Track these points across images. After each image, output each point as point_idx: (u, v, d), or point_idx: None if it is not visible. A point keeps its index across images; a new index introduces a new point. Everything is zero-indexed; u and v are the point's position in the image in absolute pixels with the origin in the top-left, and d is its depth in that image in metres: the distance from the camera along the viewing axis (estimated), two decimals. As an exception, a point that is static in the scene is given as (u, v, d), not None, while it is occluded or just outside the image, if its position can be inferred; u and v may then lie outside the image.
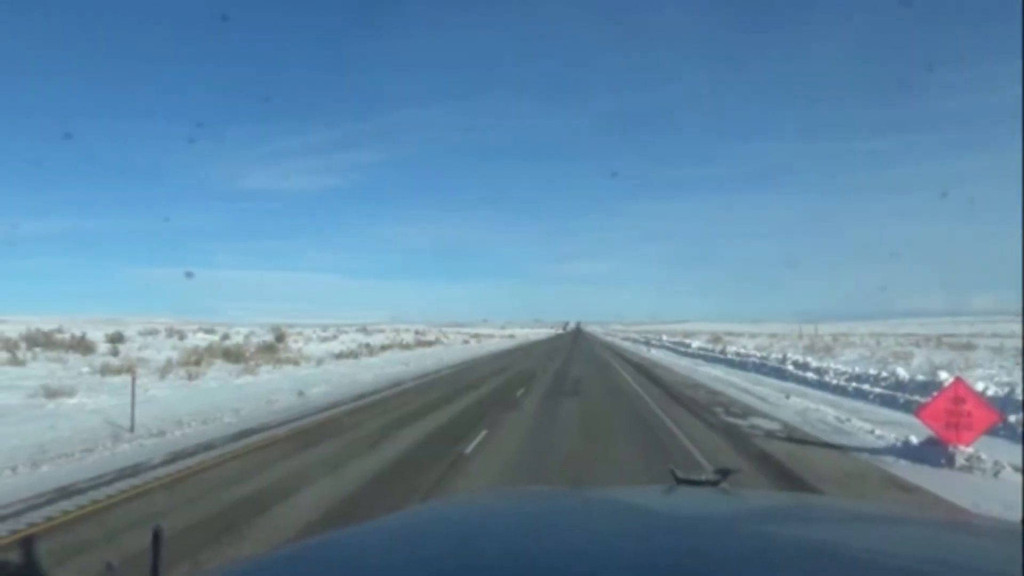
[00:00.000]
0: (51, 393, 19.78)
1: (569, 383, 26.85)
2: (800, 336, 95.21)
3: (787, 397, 22.56)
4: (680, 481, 2.43)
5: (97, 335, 45.99)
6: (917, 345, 59.27)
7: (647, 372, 35.46)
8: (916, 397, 19.63)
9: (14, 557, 6.74)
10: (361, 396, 21.42)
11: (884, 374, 25.71)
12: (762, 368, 35.96)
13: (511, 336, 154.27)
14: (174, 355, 35.98)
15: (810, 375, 29.73)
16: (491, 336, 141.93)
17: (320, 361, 40.61)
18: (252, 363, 36.91)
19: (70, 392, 20.24)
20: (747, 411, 18.90)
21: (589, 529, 1.88)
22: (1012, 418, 14.84)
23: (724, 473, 2.49)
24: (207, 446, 12.81)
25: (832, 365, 31.29)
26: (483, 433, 14.16)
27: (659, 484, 2.50)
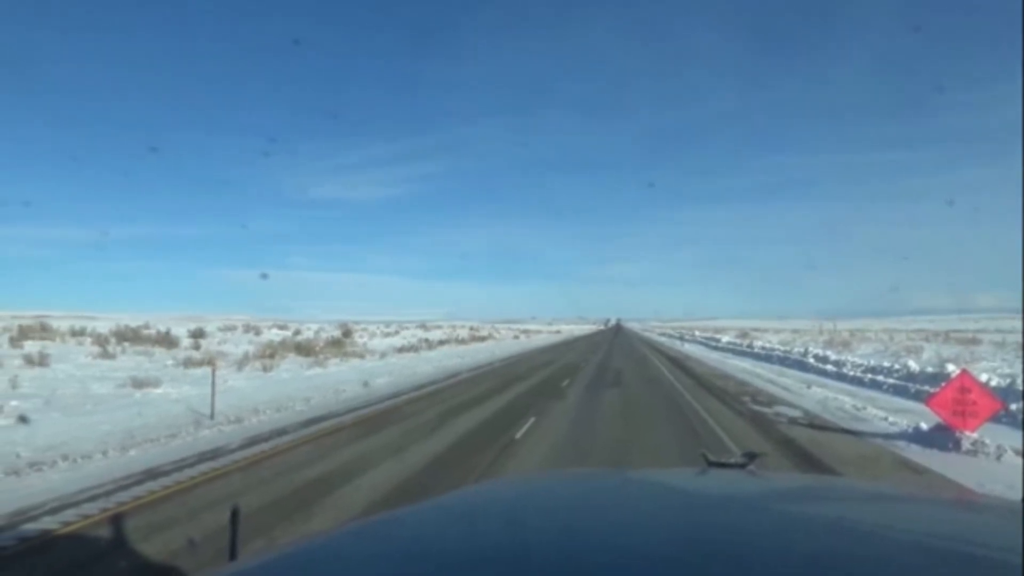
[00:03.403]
0: (138, 384, 19.99)
1: (610, 374, 26.55)
2: (820, 332, 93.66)
3: (808, 387, 22.04)
4: (711, 464, 2.44)
5: (180, 331, 46.67)
6: (927, 340, 57.85)
7: (681, 364, 34.97)
8: (926, 387, 19.08)
9: (103, 534, 6.78)
10: (420, 387, 21.34)
11: (897, 366, 25.06)
12: (786, 361, 35.28)
13: (557, 332, 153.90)
14: (251, 349, 36.30)
15: (830, 367, 29.05)
16: (539, 332, 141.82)
17: (383, 355, 40.69)
18: (321, 356, 37.11)
19: (155, 383, 20.45)
20: (772, 400, 18.49)
21: (629, 506, 1.92)
22: (1013, 406, 14.79)
23: (751, 456, 2.51)
24: (281, 431, 12.83)
25: (850, 358, 30.58)
26: (531, 420, 14.00)
27: (692, 466, 2.49)
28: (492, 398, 18.33)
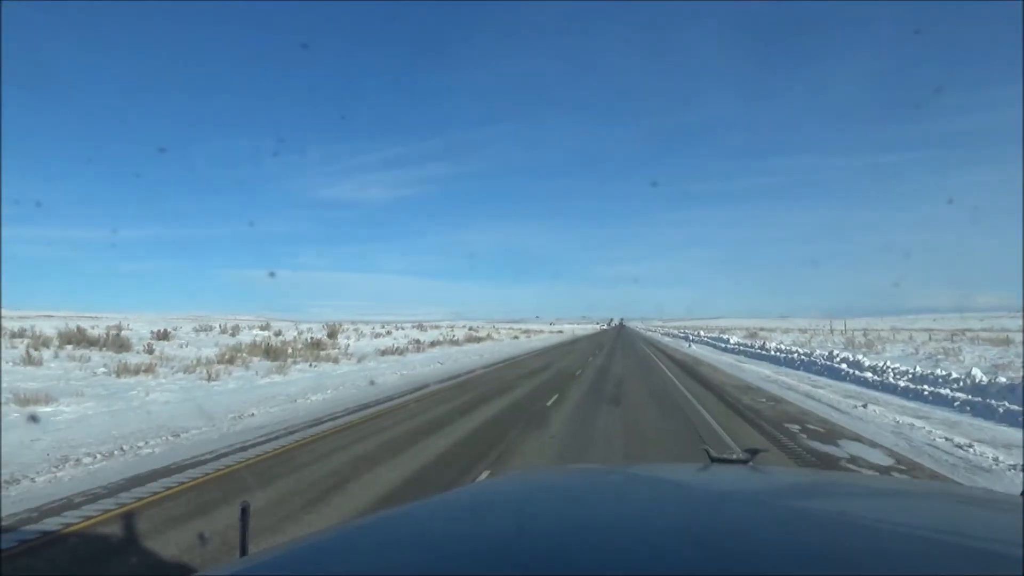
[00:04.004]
0: (24, 400, 15.53)
1: (610, 386, 21.56)
2: (831, 331, 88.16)
3: (864, 406, 17.08)
4: (714, 459, 2.42)
5: (145, 332, 42.06)
6: (950, 340, 53.16)
7: (692, 371, 29.77)
8: (1012, 406, 14.95)
9: None
10: (364, 406, 16.37)
11: (955, 374, 20.33)
12: (811, 366, 30.38)
13: (559, 332, 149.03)
14: (213, 352, 31.83)
15: (868, 375, 24.29)
16: (540, 332, 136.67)
17: (363, 358, 36.19)
18: (290, 361, 32.80)
19: (48, 399, 15.93)
20: (829, 429, 13.32)
21: (634, 501, 1.91)
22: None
23: (754, 452, 2.50)
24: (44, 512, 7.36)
25: (888, 363, 25.65)
26: (484, 475, 8.95)
27: (695, 462, 2.42)
28: (447, 428, 13.09)
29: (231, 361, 30.07)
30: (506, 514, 1.78)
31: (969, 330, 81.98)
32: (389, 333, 66.44)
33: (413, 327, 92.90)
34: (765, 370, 30.61)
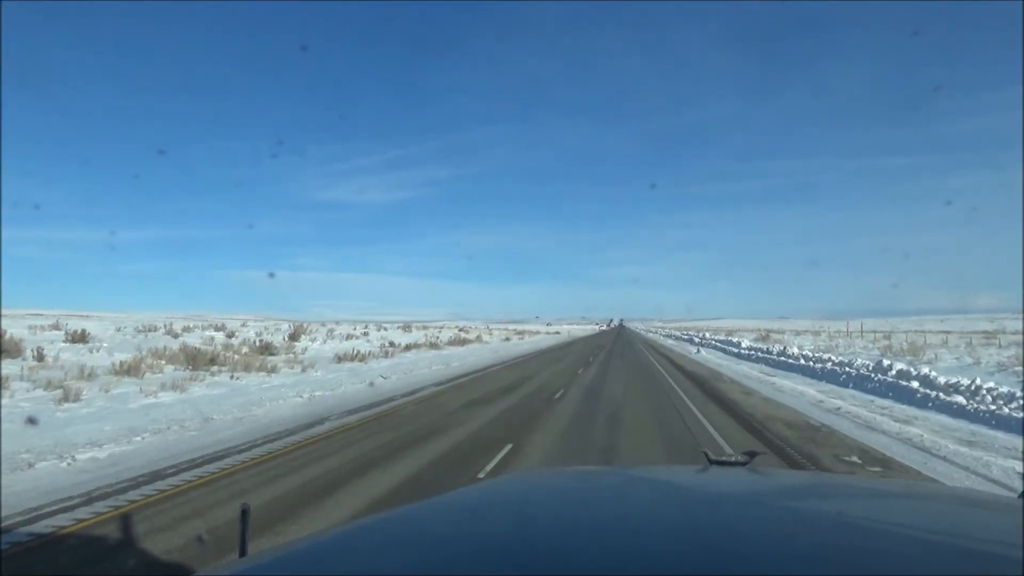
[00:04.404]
0: None
1: (600, 425, 14.12)
2: (848, 333, 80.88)
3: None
4: (712, 462, 2.38)
5: (58, 335, 35.46)
6: (987, 343, 46.56)
7: (715, 393, 21.78)
8: None
9: None
10: (202, 460, 9.98)
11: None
12: (863, 382, 23.47)
13: (556, 333, 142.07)
14: (122, 359, 25.36)
15: (959, 399, 17.60)
16: (536, 333, 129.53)
17: (310, 366, 29.67)
18: (218, 369, 26.53)
19: None
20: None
21: (633, 502, 1.91)
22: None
23: (752, 455, 2.43)
24: None
25: (978, 381, 18.84)
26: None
27: (694, 464, 2.40)
28: (321, 501, 7.38)
29: (131, 371, 23.64)
30: (505, 515, 1.77)
31: (989, 332, 75.13)
32: (366, 334, 59.63)
33: (399, 328, 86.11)
34: (807, 388, 23.61)
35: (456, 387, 23.07)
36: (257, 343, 37.32)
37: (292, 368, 28.88)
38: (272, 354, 35.26)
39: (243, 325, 61.00)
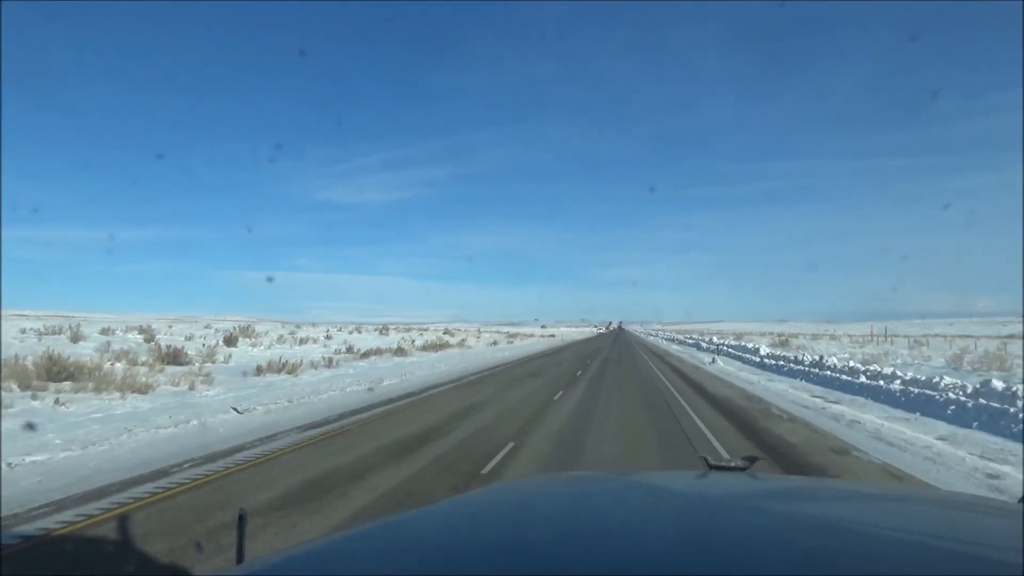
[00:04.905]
0: None
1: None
2: (872, 337, 72.70)
3: None
4: (711, 467, 2.34)
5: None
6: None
7: (780, 448, 12.07)
8: None
9: None
10: None
11: None
12: (997, 420, 15.61)
13: (551, 336, 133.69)
14: None
15: None
16: (529, 336, 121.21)
17: (204, 382, 22.09)
18: (67, 386, 19.22)
19: None
20: None
21: (632, 508, 1.86)
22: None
23: (751, 460, 2.37)
24: None
25: None
26: None
27: (693, 469, 2.33)
28: None
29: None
30: (504, 521, 1.74)
31: (1009, 336, 67.59)
32: (328, 338, 51.66)
33: (377, 330, 78.23)
34: (922, 435, 14.60)
35: (341, 432, 13.71)
36: (165, 350, 29.40)
37: (178, 386, 21.15)
38: (180, 363, 27.56)
39: (170, 327, 53.22)
